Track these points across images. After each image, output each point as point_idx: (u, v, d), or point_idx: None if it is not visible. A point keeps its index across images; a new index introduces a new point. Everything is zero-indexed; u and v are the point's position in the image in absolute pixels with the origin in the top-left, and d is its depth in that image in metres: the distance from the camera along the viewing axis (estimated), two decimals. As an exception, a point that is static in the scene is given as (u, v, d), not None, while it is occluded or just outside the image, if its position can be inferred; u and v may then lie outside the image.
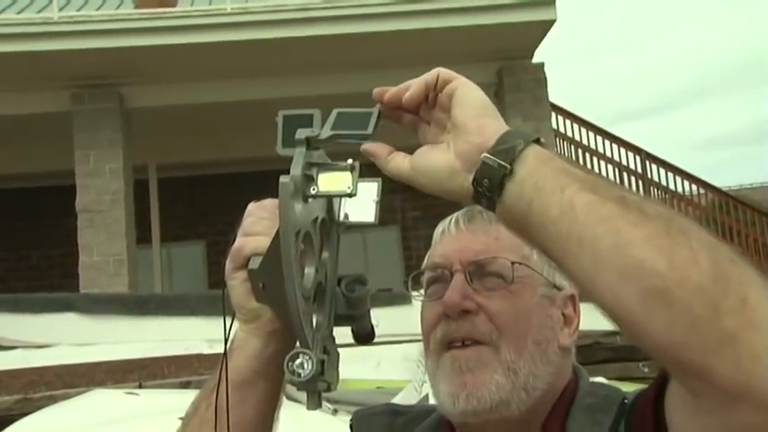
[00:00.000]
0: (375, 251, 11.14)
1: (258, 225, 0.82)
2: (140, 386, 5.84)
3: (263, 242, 0.78)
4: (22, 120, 9.30)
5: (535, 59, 9.67)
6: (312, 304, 0.75)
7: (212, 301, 2.30)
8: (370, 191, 0.78)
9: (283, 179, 0.71)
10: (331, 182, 0.74)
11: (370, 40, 8.72)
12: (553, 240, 0.68)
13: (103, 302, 2.08)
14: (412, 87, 0.76)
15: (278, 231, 0.72)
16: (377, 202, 0.79)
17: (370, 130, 0.77)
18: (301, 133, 0.75)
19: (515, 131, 0.72)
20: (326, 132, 0.76)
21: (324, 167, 0.75)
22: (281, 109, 0.78)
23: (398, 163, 0.76)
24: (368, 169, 0.77)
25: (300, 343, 0.71)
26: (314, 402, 0.74)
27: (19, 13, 9.61)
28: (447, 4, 8.84)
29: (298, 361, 0.70)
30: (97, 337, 1.93)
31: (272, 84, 9.20)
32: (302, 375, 0.70)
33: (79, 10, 9.58)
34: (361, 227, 0.81)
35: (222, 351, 0.82)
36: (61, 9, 8.86)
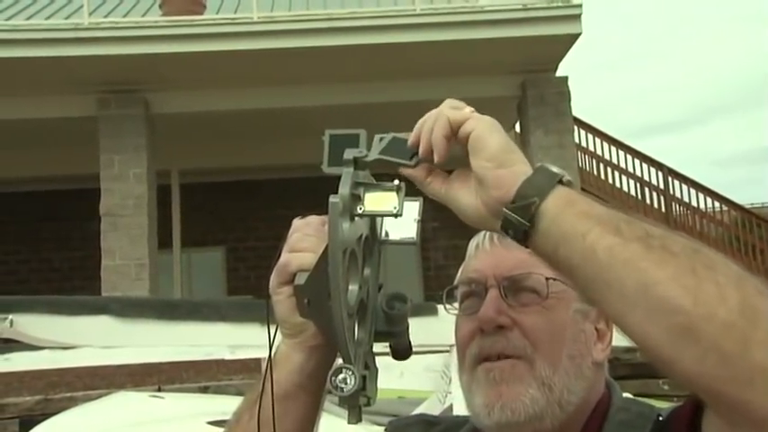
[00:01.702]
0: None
1: (304, 241, 0.82)
2: (159, 390, 5.89)
3: (309, 258, 0.79)
4: (47, 123, 9.42)
5: (558, 72, 9.67)
6: (355, 321, 0.76)
7: (242, 308, 2.31)
8: (411, 209, 0.79)
9: (333, 199, 0.72)
10: (377, 202, 0.76)
11: (394, 51, 8.75)
12: (581, 283, 0.69)
13: (136, 306, 2.10)
14: (437, 151, 0.75)
15: (326, 249, 0.74)
16: (418, 221, 0.80)
17: (413, 163, 0.78)
18: (349, 153, 0.77)
19: (534, 180, 0.72)
20: (373, 155, 0.78)
21: (370, 187, 0.77)
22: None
23: (436, 189, 0.78)
24: (410, 187, 0.79)
25: (343, 359, 0.73)
26: (355, 416, 0.76)
27: (47, 18, 9.75)
28: (472, 17, 8.86)
29: (341, 376, 0.72)
30: (128, 341, 1.95)
31: (296, 93, 9.26)
32: (345, 390, 0.72)
33: (106, 16, 9.70)
34: (402, 245, 0.82)
35: (245, 358, 0.85)
36: (89, 15, 8.97)
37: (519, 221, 0.71)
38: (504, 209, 0.72)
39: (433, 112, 0.77)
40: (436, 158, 0.76)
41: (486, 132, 0.74)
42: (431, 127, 0.76)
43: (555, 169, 0.73)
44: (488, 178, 0.73)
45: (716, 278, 0.63)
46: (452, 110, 0.76)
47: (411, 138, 0.78)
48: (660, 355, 0.64)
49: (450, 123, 0.75)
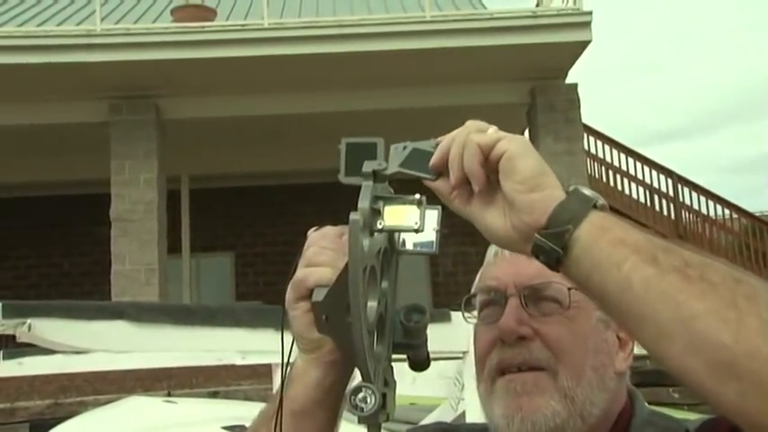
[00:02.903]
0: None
1: (321, 255, 0.79)
2: (169, 394, 5.90)
3: (326, 273, 0.77)
4: (58, 129, 9.47)
5: (567, 79, 9.66)
6: (374, 337, 0.74)
7: (257, 313, 2.32)
8: (430, 218, 0.75)
9: (354, 216, 0.70)
10: (397, 216, 0.74)
11: (404, 58, 8.76)
12: (615, 313, 0.68)
13: (152, 311, 2.11)
14: (475, 180, 0.72)
15: (345, 266, 0.72)
16: (437, 231, 0.76)
17: (434, 177, 0.76)
18: (369, 166, 0.74)
19: (567, 205, 0.69)
20: (393, 167, 0.75)
21: (390, 200, 0.74)
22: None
23: (459, 207, 0.75)
24: (428, 195, 0.76)
25: (363, 377, 0.71)
26: None
27: (59, 24, 9.82)
28: (482, 24, 8.88)
29: (361, 395, 0.70)
30: (143, 345, 1.96)
31: (305, 99, 9.29)
32: (365, 410, 0.70)
33: (118, 23, 9.76)
34: (421, 255, 0.78)
35: (254, 363, 0.83)
36: (101, 21, 9.03)
37: (552, 248, 0.69)
38: (537, 235, 0.70)
39: (457, 136, 0.74)
40: (476, 188, 0.73)
41: (518, 154, 0.72)
42: (459, 153, 0.73)
43: (588, 193, 0.71)
44: (520, 202, 0.71)
45: (758, 310, 0.61)
46: (479, 134, 0.73)
47: (434, 158, 0.75)
48: (700, 388, 0.62)
49: (481, 149, 0.72)
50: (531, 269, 0.89)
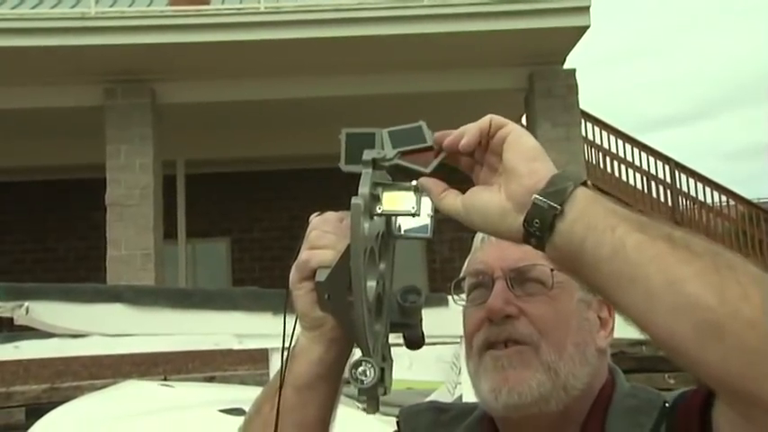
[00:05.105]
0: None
1: (324, 239, 0.85)
2: (165, 379, 5.90)
3: (328, 255, 0.83)
4: (53, 113, 9.43)
5: (566, 65, 9.64)
6: (373, 315, 0.79)
7: (255, 297, 2.33)
8: (425, 205, 0.81)
9: (355, 200, 0.75)
10: (395, 201, 0.79)
11: (402, 43, 8.74)
12: (605, 279, 0.70)
13: (150, 294, 2.11)
14: (467, 135, 0.79)
15: (347, 248, 0.77)
16: (432, 217, 0.81)
17: (429, 142, 0.80)
18: (368, 154, 0.79)
19: (565, 173, 0.75)
20: (391, 153, 0.80)
21: (388, 187, 0.79)
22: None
23: (450, 201, 0.80)
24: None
25: (363, 352, 0.77)
26: (373, 407, 0.79)
27: (53, 7, 9.74)
28: (480, 8, 8.84)
29: (360, 369, 0.76)
30: (141, 329, 1.97)
31: (302, 84, 9.26)
32: (365, 382, 0.76)
33: (113, 6, 9.69)
34: (416, 239, 0.84)
35: (251, 348, 0.87)
36: (95, 4, 8.96)
37: (550, 205, 0.73)
38: (536, 195, 0.74)
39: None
40: (463, 142, 0.78)
41: (523, 135, 0.79)
42: (471, 125, 0.80)
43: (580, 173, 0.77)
44: (522, 169, 0.76)
45: (738, 278, 0.65)
46: (496, 116, 0.80)
47: (450, 138, 0.80)
48: (685, 352, 0.65)
49: (490, 122, 0.79)
50: (517, 253, 0.96)
